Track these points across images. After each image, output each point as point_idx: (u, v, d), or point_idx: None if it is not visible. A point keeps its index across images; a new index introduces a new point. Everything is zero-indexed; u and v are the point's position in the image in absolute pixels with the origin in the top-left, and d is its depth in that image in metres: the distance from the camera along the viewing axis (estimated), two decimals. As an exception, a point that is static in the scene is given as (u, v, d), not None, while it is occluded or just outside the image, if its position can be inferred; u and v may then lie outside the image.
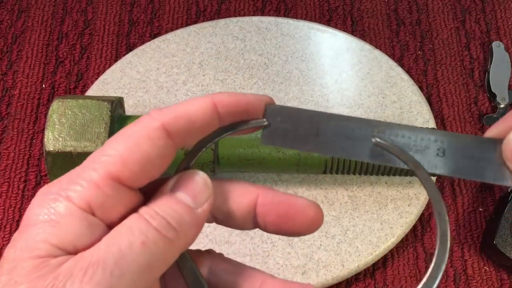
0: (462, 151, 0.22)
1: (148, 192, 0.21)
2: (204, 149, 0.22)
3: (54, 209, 0.19)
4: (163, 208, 0.20)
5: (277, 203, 0.22)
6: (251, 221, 0.23)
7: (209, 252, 0.23)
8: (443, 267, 0.21)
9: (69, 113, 0.42)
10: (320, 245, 0.46)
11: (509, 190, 0.48)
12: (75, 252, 0.19)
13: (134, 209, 0.20)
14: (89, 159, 0.20)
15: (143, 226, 0.19)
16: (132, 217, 0.19)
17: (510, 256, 0.45)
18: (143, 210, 0.20)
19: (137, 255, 0.18)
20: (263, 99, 0.22)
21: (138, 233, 0.19)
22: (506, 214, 0.46)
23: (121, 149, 0.19)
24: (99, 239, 0.19)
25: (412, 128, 0.22)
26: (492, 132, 0.22)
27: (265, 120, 0.22)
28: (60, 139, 0.41)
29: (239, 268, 0.23)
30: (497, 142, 0.21)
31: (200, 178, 0.21)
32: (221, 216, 0.23)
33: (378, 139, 0.22)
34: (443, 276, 0.47)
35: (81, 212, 0.19)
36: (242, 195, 0.22)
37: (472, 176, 0.22)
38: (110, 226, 0.19)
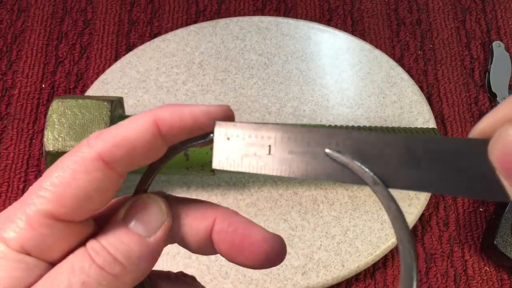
0: (442, 159, 0.17)
1: (103, 218, 0.20)
2: (157, 171, 0.21)
3: None
4: (111, 240, 0.18)
5: (232, 231, 0.20)
6: (209, 247, 0.21)
7: (177, 275, 0.22)
8: None
9: (69, 113, 0.42)
10: (320, 245, 0.46)
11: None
12: None
13: (84, 241, 0.19)
14: (28, 192, 0.18)
15: (86, 263, 0.18)
16: (77, 253, 0.18)
17: (511, 256, 0.45)
18: (90, 244, 0.18)
19: None
20: (211, 112, 0.19)
21: (79, 272, 0.17)
22: (506, 214, 0.46)
23: (57, 183, 0.18)
24: (38, 280, 0.18)
25: (379, 136, 0.18)
26: (477, 130, 0.17)
27: (212, 135, 0.20)
28: (60, 139, 0.41)
29: None
30: (486, 143, 0.16)
31: (154, 203, 0.20)
32: (178, 240, 0.21)
33: (329, 150, 0.18)
34: (443, 276, 0.47)
35: (16, 254, 0.17)
36: (198, 219, 0.21)
37: (456, 191, 0.17)
38: (54, 263, 0.18)
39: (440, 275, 0.47)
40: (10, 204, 0.50)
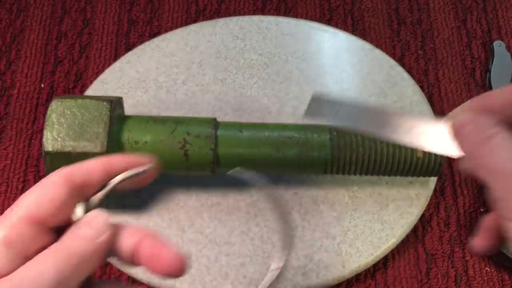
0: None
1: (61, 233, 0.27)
2: (105, 193, 0.28)
3: None
4: (67, 242, 0.25)
5: (143, 249, 0.27)
6: (136, 260, 0.27)
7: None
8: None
9: (68, 113, 0.42)
10: (321, 245, 0.46)
11: None
12: None
13: (48, 245, 0.25)
14: (17, 201, 0.25)
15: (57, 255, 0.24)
16: (45, 252, 0.24)
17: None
18: (53, 245, 0.25)
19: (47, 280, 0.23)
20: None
21: (51, 262, 0.24)
22: (507, 215, 0.46)
23: (38, 194, 0.25)
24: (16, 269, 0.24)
25: (362, 107, 0.32)
26: (449, 116, 0.30)
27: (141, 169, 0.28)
28: (59, 139, 0.41)
29: None
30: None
31: (102, 217, 0.26)
32: (116, 252, 0.27)
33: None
34: (444, 277, 0.47)
35: (4, 247, 0.24)
36: (129, 236, 0.27)
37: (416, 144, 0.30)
38: (30, 259, 0.24)
39: (441, 276, 0.47)
40: (9, 204, 0.49)
